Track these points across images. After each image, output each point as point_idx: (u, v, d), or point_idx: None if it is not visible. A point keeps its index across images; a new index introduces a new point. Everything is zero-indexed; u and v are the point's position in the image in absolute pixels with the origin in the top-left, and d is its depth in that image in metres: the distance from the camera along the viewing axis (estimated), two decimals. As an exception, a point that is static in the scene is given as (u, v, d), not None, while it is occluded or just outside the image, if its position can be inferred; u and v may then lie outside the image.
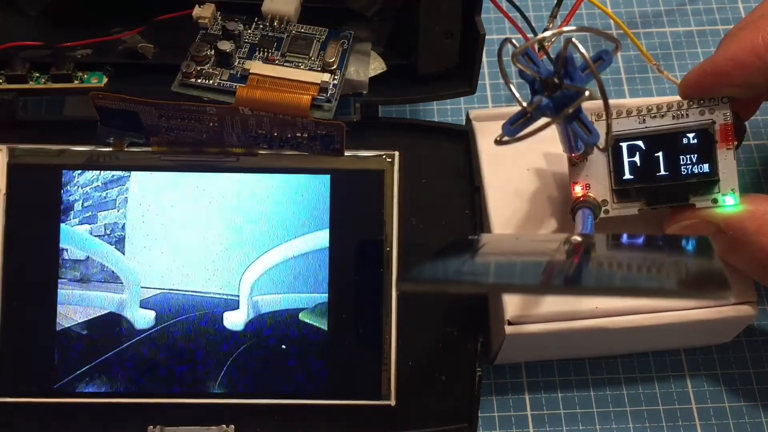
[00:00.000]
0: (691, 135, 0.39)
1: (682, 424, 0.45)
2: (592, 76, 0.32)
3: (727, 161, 0.38)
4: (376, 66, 0.43)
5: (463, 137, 0.45)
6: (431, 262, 0.30)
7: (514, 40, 0.34)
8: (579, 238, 0.32)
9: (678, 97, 0.40)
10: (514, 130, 0.32)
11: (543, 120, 0.32)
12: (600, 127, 0.39)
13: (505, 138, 0.32)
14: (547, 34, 0.33)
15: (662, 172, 0.39)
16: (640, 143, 0.39)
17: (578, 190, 0.40)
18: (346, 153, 0.42)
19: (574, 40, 0.31)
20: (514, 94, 0.33)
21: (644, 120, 0.39)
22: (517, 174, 0.44)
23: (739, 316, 0.41)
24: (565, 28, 0.33)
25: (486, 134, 0.45)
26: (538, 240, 0.34)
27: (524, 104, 0.32)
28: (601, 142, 0.35)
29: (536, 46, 0.36)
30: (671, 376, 0.46)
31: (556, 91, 0.31)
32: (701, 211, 0.39)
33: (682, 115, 0.39)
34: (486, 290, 0.30)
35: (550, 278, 0.28)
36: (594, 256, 0.32)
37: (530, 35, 0.46)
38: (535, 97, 0.32)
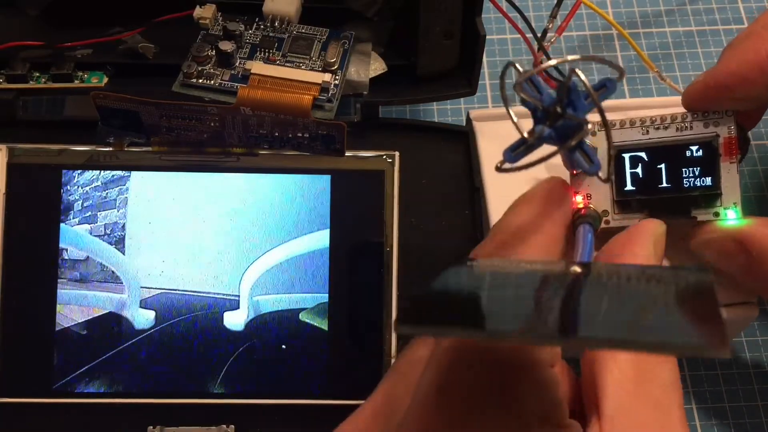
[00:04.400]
0: (694, 148, 0.38)
1: (681, 425, 0.45)
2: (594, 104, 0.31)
3: (730, 175, 0.38)
4: (376, 66, 0.43)
5: (463, 137, 0.45)
6: (429, 294, 0.30)
7: (517, 65, 0.33)
8: (579, 269, 0.32)
9: (681, 109, 0.39)
10: (515, 156, 0.32)
11: (545, 148, 0.32)
12: (599, 140, 0.39)
13: (506, 165, 0.32)
14: (552, 63, 0.33)
15: (664, 184, 0.39)
16: (642, 155, 0.39)
17: (579, 200, 0.40)
18: (347, 153, 0.42)
19: (577, 70, 0.30)
20: (514, 123, 0.32)
21: (647, 131, 0.39)
22: (517, 174, 0.43)
23: (739, 317, 0.41)
24: (569, 57, 0.32)
25: (486, 134, 0.45)
26: (536, 265, 0.33)
27: (525, 134, 0.31)
28: (603, 171, 0.35)
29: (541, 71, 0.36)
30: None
31: (558, 120, 0.31)
32: (725, 226, 0.38)
33: (686, 127, 0.38)
34: (483, 336, 0.30)
35: (544, 325, 0.28)
36: (589, 299, 0.31)
37: (529, 35, 0.46)
38: (537, 126, 0.31)
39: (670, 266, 0.38)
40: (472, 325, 0.26)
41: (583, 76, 0.30)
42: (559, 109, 0.30)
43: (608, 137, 0.33)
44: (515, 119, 0.32)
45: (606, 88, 0.31)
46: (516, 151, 0.31)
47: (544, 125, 0.31)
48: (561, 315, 0.27)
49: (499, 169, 0.32)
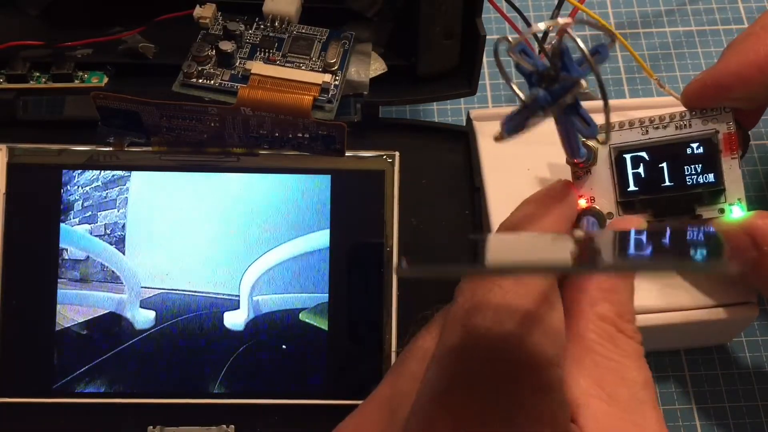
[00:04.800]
0: (695, 145, 0.38)
1: (682, 424, 0.45)
2: (589, 69, 0.31)
3: (732, 170, 0.38)
4: (376, 67, 0.43)
5: (463, 137, 0.45)
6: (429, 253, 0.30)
7: (510, 37, 0.34)
8: (582, 233, 0.32)
9: (680, 107, 0.39)
10: (513, 127, 0.32)
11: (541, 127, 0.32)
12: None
13: (505, 135, 0.32)
14: (542, 26, 0.33)
15: (667, 183, 0.39)
16: (643, 154, 0.39)
17: (582, 203, 0.40)
18: (347, 153, 0.42)
19: (569, 30, 0.30)
20: (511, 87, 0.32)
21: (647, 131, 0.39)
22: (517, 174, 0.44)
23: (739, 317, 0.41)
24: (560, 20, 0.32)
25: (486, 134, 0.45)
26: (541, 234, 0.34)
27: (522, 96, 0.32)
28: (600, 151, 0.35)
29: (533, 41, 0.36)
30: (671, 376, 0.46)
31: (553, 84, 0.31)
32: (735, 220, 0.38)
33: (685, 125, 0.39)
34: (490, 272, 0.30)
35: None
36: (600, 246, 0.31)
37: (529, 36, 0.46)
38: (532, 89, 0.32)
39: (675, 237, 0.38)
40: (478, 264, 0.26)
41: (577, 38, 0.30)
42: (552, 72, 0.31)
43: (603, 96, 0.33)
44: (514, 87, 0.32)
45: (599, 53, 0.31)
46: (513, 121, 0.31)
47: (539, 88, 0.31)
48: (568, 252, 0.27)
49: (498, 139, 0.32)
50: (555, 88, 0.31)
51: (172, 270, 0.42)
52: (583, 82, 0.30)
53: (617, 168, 0.39)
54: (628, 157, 0.39)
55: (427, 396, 0.30)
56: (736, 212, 0.38)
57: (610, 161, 0.40)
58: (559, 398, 0.30)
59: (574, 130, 0.34)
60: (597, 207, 0.39)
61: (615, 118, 0.40)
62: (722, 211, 0.38)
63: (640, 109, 0.43)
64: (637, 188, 0.39)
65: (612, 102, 0.46)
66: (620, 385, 0.31)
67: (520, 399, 0.29)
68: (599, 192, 0.40)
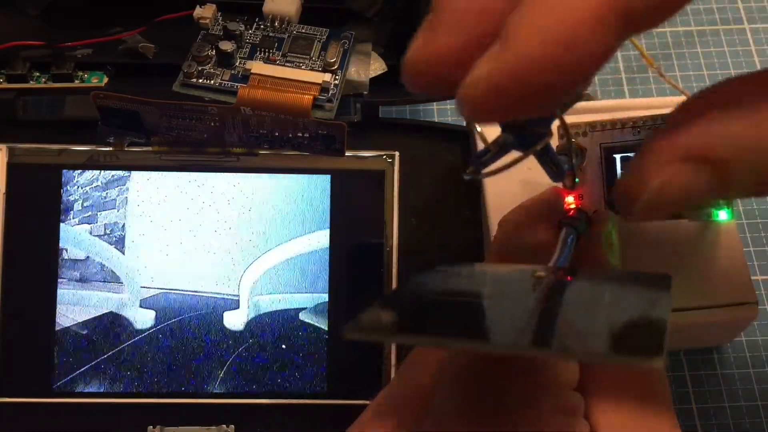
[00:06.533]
0: None
1: (682, 424, 0.44)
2: (564, 109, 0.31)
3: None
4: (376, 66, 0.43)
5: (463, 137, 0.45)
6: (388, 298, 0.29)
7: None
8: (543, 274, 0.31)
9: (670, 109, 0.39)
10: (482, 163, 0.32)
11: (514, 153, 0.31)
12: (590, 140, 0.39)
13: (475, 172, 0.32)
14: None
15: None
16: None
17: (570, 200, 0.39)
18: (347, 153, 0.42)
19: None
20: (477, 133, 0.32)
21: (639, 132, 0.39)
22: (517, 174, 0.43)
23: (739, 317, 0.41)
24: None
25: (486, 135, 0.44)
26: (501, 272, 0.33)
27: (488, 142, 0.31)
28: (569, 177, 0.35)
29: None
30: (671, 376, 0.46)
31: (523, 129, 0.31)
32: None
33: None
34: (435, 344, 0.29)
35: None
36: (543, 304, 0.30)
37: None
38: (502, 134, 0.31)
39: (631, 271, 0.37)
40: (425, 336, 0.26)
41: None
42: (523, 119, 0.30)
43: (569, 145, 0.33)
44: (478, 128, 0.32)
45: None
46: (483, 158, 0.31)
47: (508, 133, 0.30)
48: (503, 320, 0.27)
49: (466, 174, 0.32)
50: (525, 134, 0.30)
51: (172, 270, 0.42)
52: (548, 137, 0.30)
53: (606, 168, 0.39)
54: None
55: (441, 417, 0.29)
56: (722, 216, 0.38)
57: (600, 161, 0.39)
58: (576, 419, 0.29)
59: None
60: (583, 209, 0.39)
61: (607, 116, 0.40)
62: (708, 215, 0.38)
63: (639, 110, 0.43)
64: None
65: (611, 102, 0.46)
66: (636, 389, 0.31)
67: (538, 421, 0.28)
68: (588, 189, 0.39)
